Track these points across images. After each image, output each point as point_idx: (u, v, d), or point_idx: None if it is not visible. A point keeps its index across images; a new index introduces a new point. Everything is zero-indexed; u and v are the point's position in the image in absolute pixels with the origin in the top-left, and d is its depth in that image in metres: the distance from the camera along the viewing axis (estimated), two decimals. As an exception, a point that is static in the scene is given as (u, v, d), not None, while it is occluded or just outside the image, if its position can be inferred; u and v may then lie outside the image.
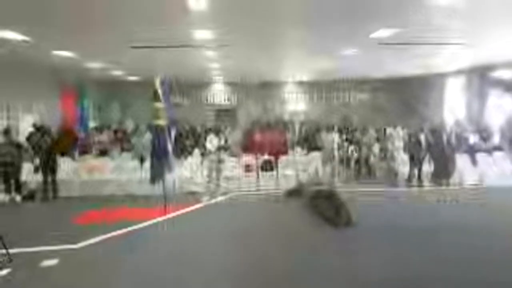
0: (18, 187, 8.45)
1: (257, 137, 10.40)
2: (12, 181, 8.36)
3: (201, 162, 9.87)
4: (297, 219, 6.82)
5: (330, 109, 18.91)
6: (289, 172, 9.80)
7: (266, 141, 10.25)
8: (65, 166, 9.21)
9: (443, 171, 9.51)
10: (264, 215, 7.21)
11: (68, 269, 4.56)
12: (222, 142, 10.53)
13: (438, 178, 9.58)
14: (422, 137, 9.70)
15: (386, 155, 10.34)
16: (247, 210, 7.56)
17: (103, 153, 10.42)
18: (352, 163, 10.72)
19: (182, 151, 10.44)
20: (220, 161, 9.41)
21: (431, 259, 4.67)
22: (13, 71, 10.87)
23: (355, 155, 10.74)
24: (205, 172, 9.44)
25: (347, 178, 10.22)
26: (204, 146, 10.49)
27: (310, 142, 11.87)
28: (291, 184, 9.10)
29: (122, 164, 9.60)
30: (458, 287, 4.03)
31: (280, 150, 10.25)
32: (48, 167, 8.54)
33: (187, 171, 9.58)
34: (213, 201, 8.26)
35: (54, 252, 5.01)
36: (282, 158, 10.09)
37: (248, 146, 10.36)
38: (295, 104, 19.63)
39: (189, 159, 10.10)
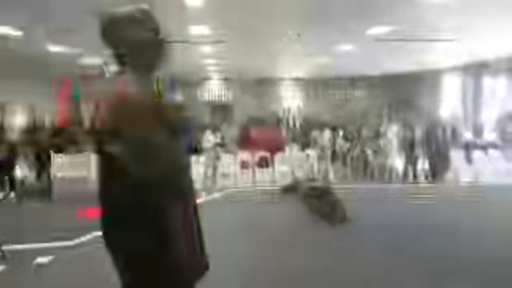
0: (12, 184, 8.40)
1: (253, 133, 10.40)
2: (6, 178, 8.31)
3: (196, 160, 9.84)
4: (292, 214, 6.84)
5: (327, 106, 18.89)
6: (285, 168, 9.80)
7: (262, 138, 10.25)
8: (59, 162, 9.12)
9: (437, 168, 9.55)
10: (259, 211, 7.23)
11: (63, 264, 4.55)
12: (218, 139, 10.51)
13: (433, 176, 9.62)
14: (416, 134, 9.72)
15: (381, 152, 10.37)
16: (242, 206, 7.57)
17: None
18: (348, 160, 10.74)
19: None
20: (216, 157, 9.39)
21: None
22: (8, 66, 10.78)
23: (351, 152, 10.76)
24: (201, 169, 9.42)
25: (342, 175, 10.24)
26: (200, 143, 10.46)
27: (306, 139, 11.89)
28: (287, 180, 9.12)
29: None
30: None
31: (276, 146, 10.26)
32: (43, 164, 8.48)
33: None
34: (209, 197, 8.27)
35: (51, 249, 4.99)
36: (278, 155, 10.10)
37: (244, 143, 10.36)
38: (291, 101, 19.60)
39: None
